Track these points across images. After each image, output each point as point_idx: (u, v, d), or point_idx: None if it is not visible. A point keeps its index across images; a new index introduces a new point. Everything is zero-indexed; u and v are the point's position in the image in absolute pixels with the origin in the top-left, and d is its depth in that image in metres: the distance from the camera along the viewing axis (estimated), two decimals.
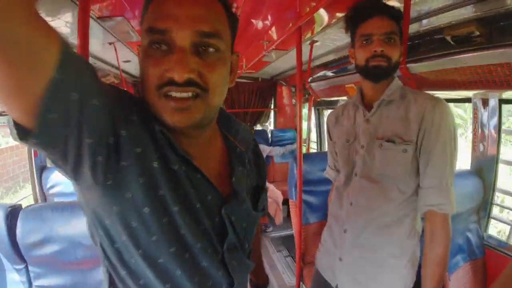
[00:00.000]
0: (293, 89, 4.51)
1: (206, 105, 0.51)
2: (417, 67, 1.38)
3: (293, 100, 4.50)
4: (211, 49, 0.50)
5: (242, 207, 0.63)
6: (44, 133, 0.38)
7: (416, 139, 0.94)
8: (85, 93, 0.41)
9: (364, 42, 0.97)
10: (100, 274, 1.32)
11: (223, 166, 0.64)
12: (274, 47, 2.17)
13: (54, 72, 0.36)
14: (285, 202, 3.43)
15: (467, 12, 1.16)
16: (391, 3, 1.23)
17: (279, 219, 3.49)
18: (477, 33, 1.15)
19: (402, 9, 1.15)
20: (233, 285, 0.61)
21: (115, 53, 2.01)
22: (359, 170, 1.05)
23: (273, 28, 1.96)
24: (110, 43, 1.86)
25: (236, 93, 4.41)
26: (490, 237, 1.75)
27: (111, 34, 1.66)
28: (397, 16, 0.97)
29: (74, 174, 0.45)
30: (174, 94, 0.48)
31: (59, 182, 2.49)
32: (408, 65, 1.38)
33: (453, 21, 1.24)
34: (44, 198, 2.55)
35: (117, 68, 2.42)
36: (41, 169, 2.56)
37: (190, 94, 0.48)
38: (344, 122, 1.15)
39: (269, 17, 1.75)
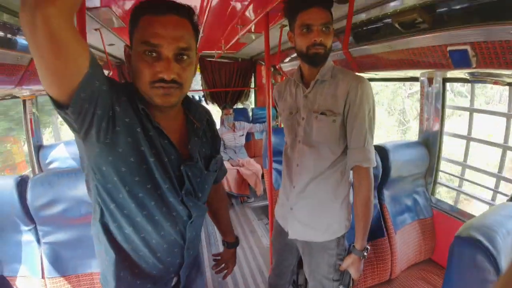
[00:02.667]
0: (272, 69, 4.70)
1: (181, 93, 0.78)
2: (359, 51, 1.61)
3: (272, 80, 4.72)
4: (185, 57, 0.76)
5: (196, 167, 0.89)
6: (77, 106, 0.62)
7: (343, 111, 1.19)
8: (101, 81, 0.65)
9: (305, 30, 1.13)
10: None
11: (183, 136, 0.89)
12: (246, 31, 2.35)
13: (88, 68, 0.60)
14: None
15: (411, 1, 1.31)
16: None
17: (259, 190, 3.82)
18: (420, 19, 1.31)
19: None
20: (191, 217, 0.90)
21: (100, 38, 2.16)
22: (301, 137, 1.29)
23: (246, 13, 2.14)
24: (95, 29, 2.01)
25: (218, 73, 4.58)
26: (437, 200, 2.06)
27: (96, 21, 1.83)
28: (331, 7, 1.15)
29: (85, 135, 0.69)
30: (166, 87, 0.74)
31: (55, 158, 2.69)
32: (351, 49, 1.61)
33: (398, 8, 1.40)
34: None
35: (102, 51, 2.57)
36: (38, 148, 2.75)
37: (175, 86, 0.75)
38: (287, 97, 1.38)
39: (240, 5, 1.92)
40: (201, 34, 2.59)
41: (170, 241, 0.88)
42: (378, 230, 1.81)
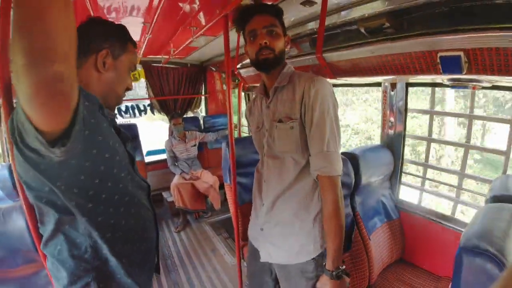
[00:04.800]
0: (223, 75, 4.53)
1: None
2: (333, 56, 1.54)
3: (224, 86, 4.54)
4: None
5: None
6: (76, 139, 0.62)
7: (300, 115, 1.09)
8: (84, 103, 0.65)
9: (251, 38, 1.10)
10: (40, 280, 1.33)
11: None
12: (202, 33, 2.16)
13: (78, 100, 0.59)
14: (222, 186, 3.49)
15: (378, 6, 1.30)
16: None
17: (217, 203, 3.57)
18: (388, 24, 1.30)
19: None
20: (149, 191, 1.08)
21: None
22: (266, 151, 1.21)
23: (201, 14, 1.95)
24: None
25: (165, 80, 4.25)
26: (402, 201, 2.08)
27: None
28: (276, 11, 1.12)
29: (65, 154, 0.64)
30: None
31: None
32: (324, 54, 1.53)
33: (366, 14, 1.39)
34: None
35: None
36: None
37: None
38: (255, 112, 1.29)
39: (197, 2, 1.75)
40: (148, 36, 2.31)
41: (148, 216, 1.02)
42: (353, 239, 1.77)
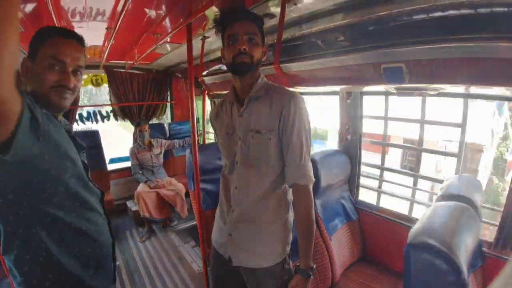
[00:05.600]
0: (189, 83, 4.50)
1: (72, 97, 0.99)
2: (291, 67, 1.62)
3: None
4: (79, 72, 1.00)
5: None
6: (17, 147, 0.68)
7: (278, 128, 1.14)
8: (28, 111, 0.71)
9: (231, 42, 1.11)
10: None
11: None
12: (166, 41, 2.16)
13: (20, 110, 0.66)
14: (188, 194, 3.49)
15: (334, 20, 1.38)
16: (272, 9, 1.43)
17: (184, 211, 3.52)
18: (342, 38, 1.41)
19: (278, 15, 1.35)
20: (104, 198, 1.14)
21: None
22: (239, 158, 1.22)
23: (166, 22, 1.96)
24: None
25: (129, 86, 4.14)
26: (361, 202, 2.21)
27: None
28: (259, 21, 1.15)
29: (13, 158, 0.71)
30: (65, 92, 0.95)
31: None
32: (282, 65, 1.60)
33: (322, 27, 1.47)
34: None
35: None
36: None
37: (70, 93, 0.97)
38: (223, 116, 1.30)
39: (161, 10, 1.76)
40: (111, 42, 2.26)
41: (100, 222, 1.06)
42: (315, 239, 1.81)
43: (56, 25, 1.84)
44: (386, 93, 1.94)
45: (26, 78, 0.94)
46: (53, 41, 0.93)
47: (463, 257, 0.94)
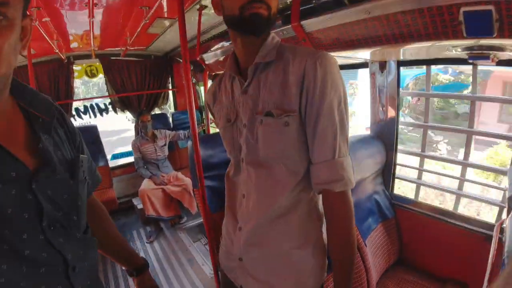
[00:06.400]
0: (192, 66, 4.15)
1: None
2: (315, 24, 1.21)
3: (193, 78, 4.16)
4: None
5: (56, 177, 0.61)
6: None
7: (299, 107, 0.77)
8: None
9: None
10: None
11: (27, 138, 0.61)
12: (153, 13, 1.82)
13: None
14: None
15: None
16: None
17: (193, 207, 3.26)
18: None
19: None
20: (69, 265, 0.61)
21: None
22: (245, 154, 0.87)
23: None
24: None
25: (127, 74, 3.85)
26: (397, 197, 1.83)
27: None
28: None
29: None
30: None
31: None
32: (303, 21, 1.20)
33: None
34: None
35: None
36: None
37: None
38: (222, 99, 0.93)
39: None
40: (95, 21, 1.94)
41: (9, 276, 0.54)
42: None
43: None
44: (428, 62, 1.53)
45: None
46: None
47: None
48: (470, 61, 1.03)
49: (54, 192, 0.60)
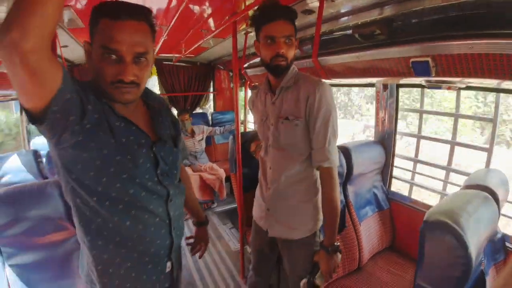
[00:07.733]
0: (230, 74, 4.74)
1: (138, 91, 0.84)
2: (328, 60, 1.73)
3: (231, 84, 4.76)
4: (142, 59, 0.81)
5: (166, 146, 0.96)
6: (50, 120, 0.67)
7: (305, 115, 1.25)
8: (72, 91, 0.70)
9: (269, 41, 1.19)
10: (69, 245, 1.46)
11: (149, 121, 0.97)
12: (212, 36, 2.36)
13: (60, 84, 0.65)
14: (228, 179, 3.76)
15: (371, 15, 1.48)
16: (310, 5, 1.55)
17: (222, 194, 3.79)
18: (378, 31, 1.49)
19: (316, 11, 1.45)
20: (169, 196, 0.95)
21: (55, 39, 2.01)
22: (271, 142, 1.36)
23: (211, 19, 2.15)
24: None
25: (176, 77, 4.49)
26: (393, 193, 2.27)
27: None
28: (294, 19, 1.22)
29: (58, 140, 0.74)
30: (125, 87, 0.80)
31: (7, 171, 2.44)
32: (320, 58, 1.72)
33: (359, 21, 1.57)
34: None
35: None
36: None
37: (133, 86, 0.81)
38: (259, 105, 1.45)
39: (208, 9, 1.94)
40: (164, 37, 2.52)
41: (155, 223, 0.92)
42: (345, 223, 1.95)
43: None
44: (419, 86, 1.97)
45: (89, 64, 0.83)
46: (103, 24, 0.76)
47: (475, 239, 1.00)
48: (429, 90, 1.51)
49: (165, 154, 0.95)
